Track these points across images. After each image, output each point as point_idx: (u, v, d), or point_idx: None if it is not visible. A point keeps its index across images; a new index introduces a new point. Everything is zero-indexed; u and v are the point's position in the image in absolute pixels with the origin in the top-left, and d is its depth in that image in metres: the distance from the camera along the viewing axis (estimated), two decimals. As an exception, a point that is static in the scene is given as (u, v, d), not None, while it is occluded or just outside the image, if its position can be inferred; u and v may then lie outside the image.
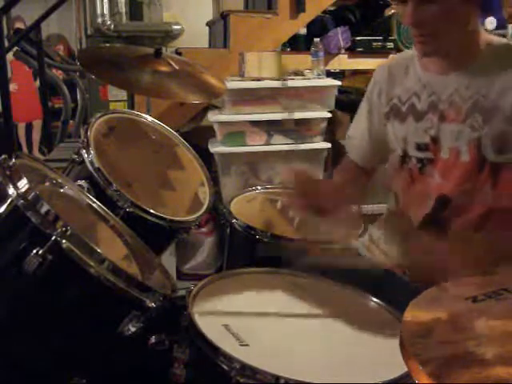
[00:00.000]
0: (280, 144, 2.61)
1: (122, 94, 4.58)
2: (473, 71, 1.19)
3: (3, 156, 1.16)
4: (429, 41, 1.17)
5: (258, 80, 2.57)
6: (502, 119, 1.15)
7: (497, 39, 1.23)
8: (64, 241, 1.02)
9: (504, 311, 0.76)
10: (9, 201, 1.07)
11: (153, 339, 1.12)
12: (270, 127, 2.59)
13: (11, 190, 1.07)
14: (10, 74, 5.02)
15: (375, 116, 1.41)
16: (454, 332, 0.74)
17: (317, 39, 2.70)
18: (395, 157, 1.35)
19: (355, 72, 3.46)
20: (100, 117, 1.67)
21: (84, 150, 1.52)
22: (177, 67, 1.82)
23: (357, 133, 1.49)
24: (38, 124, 6.36)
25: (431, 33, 1.15)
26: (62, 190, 1.40)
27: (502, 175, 1.19)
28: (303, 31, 2.99)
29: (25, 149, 6.29)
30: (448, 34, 1.16)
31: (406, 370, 0.92)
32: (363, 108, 1.45)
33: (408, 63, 1.33)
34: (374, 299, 1.23)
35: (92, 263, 1.04)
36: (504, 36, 3.15)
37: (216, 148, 2.56)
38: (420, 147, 1.28)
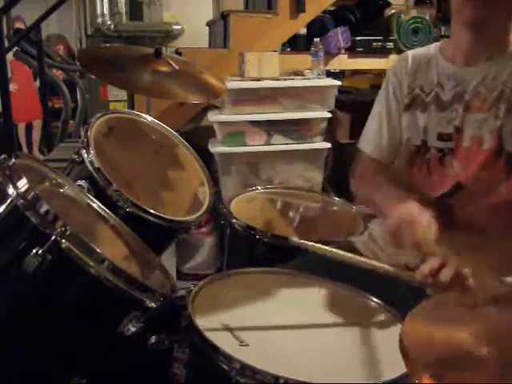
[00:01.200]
0: (280, 144, 2.60)
1: (122, 94, 4.57)
2: (501, 63, 1.24)
3: (3, 156, 1.16)
4: (483, 5, 1.18)
5: (258, 80, 2.56)
6: None
7: None
8: (64, 241, 1.02)
9: (505, 312, 0.76)
10: (9, 201, 1.07)
11: (153, 339, 1.12)
12: (270, 127, 2.58)
13: (11, 190, 1.07)
14: (10, 74, 5.01)
15: (393, 106, 1.40)
16: (454, 332, 0.74)
17: (317, 39, 2.70)
18: (409, 147, 1.36)
19: (355, 72, 3.47)
20: (100, 117, 1.67)
21: (84, 150, 1.52)
22: (177, 67, 1.82)
23: (373, 126, 1.46)
24: (38, 124, 6.35)
25: (487, 4, 1.18)
26: (61, 190, 1.39)
27: None
28: (303, 31, 2.99)
29: (25, 149, 6.29)
30: (500, 8, 1.20)
31: (405, 370, 0.93)
32: (379, 101, 1.44)
33: (430, 57, 1.35)
34: (374, 299, 1.23)
35: (92, 263, 1.04)
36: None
37: (216, 148, 2.56)
38: (442, 137, 1.30)
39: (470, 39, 1.25)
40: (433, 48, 1.37)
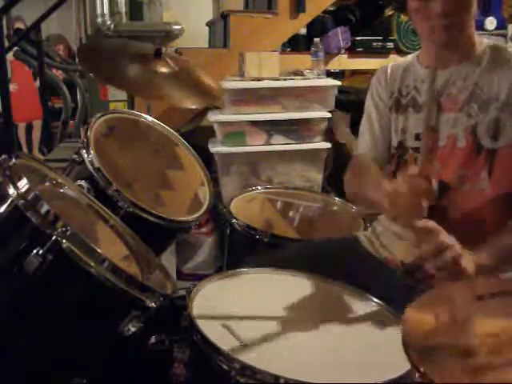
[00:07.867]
0: (280, 144, 2.61)
1: (122, 94, 4.57)
2: (470, 66, 1.29)
3: (3, 156, 1.16)
4: (451, 30, 1.25)
5: (258, 80, 2.57)
6: (497, 107, 1.24)
7: (485, 40, 1.33)
8: (64, 241, 1.02)
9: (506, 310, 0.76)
10: (9, 201, 1.07)
11: (153, 339, 1.12)
12: (270, 127, 2.59)
13: (11, 190, 1.07)
14: (10, 74, 5.01)
15: (381, 109, 1.45)
16: (455, 332, 0.74)
17: (317, 39, 2.70)
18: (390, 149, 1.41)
19: (355, 72, 3.46)
20: (100, 117, 1.67)
21: (84, 150, 1.52)
22: (176, 68, 1.82)
23: (366, 129, 1.49)
24: (38, 124, 6.34)
25: (456, 23, 1.24)
26: (61, 190, 1.40)
27: (496, 161, 1.24)
28: (303, 31, 2.99)
29: (25, 149, 6.28)
30: (466, 25, 1.27)
31: (405, 370, 0.93)
32: (369, 106, 1.48)
33: (407, 65, 1.42)
34: (374, 299, 1.24)
35: (92, 263, 1.04)
36: (504, 36, 3.15)
37: (216, 148, 2.56)
38: (419, 137, 1.34)
39: (440, 52, 1.31)
40: (410, 57, 1.44)
